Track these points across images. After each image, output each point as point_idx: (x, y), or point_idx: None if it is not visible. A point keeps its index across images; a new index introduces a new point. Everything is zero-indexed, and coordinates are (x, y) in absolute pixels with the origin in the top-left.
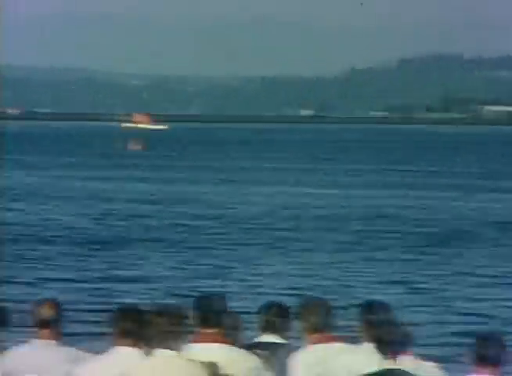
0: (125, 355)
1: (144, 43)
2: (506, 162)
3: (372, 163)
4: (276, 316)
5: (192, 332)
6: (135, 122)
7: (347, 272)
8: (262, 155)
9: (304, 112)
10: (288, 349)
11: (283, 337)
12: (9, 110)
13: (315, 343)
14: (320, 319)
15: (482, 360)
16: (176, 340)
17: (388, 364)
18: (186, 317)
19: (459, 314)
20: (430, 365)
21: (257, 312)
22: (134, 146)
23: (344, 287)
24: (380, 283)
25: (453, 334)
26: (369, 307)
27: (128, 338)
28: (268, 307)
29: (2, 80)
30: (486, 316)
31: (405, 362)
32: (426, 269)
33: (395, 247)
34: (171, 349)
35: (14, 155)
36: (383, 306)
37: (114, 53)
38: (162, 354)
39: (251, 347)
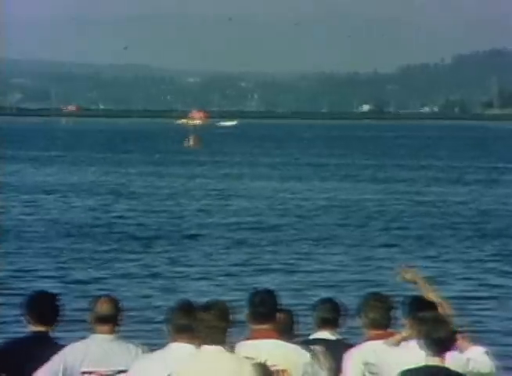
0: (181, 350)
1: (200, 40)
2: None
3: (439, 159)
4: (331, 312)
5: (247, 329)
6: (192, 119)
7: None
8: (324, 151)
9: (365, 108)
10: (343, 346)
11: (337, 333)
12: (67, 107)
13: (374, 339)
14: (380, 316)
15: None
16: (222, 335)
17: (434, 361)
18: (230, 313)
19: None
20: (478, 350)
21: (312, 309)
22: (191, 143)
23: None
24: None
25: None
26: (416, 303)
27: (183, 334)
28: (323, 303)
29: (57, 76)
30: None
31: (450, 359)
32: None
33: (455, 243)
34: (217, 345)
35: (71, 152)
36: (430, 303)
37: (170, 51)
38: (208, 350)
39: (307, 343)
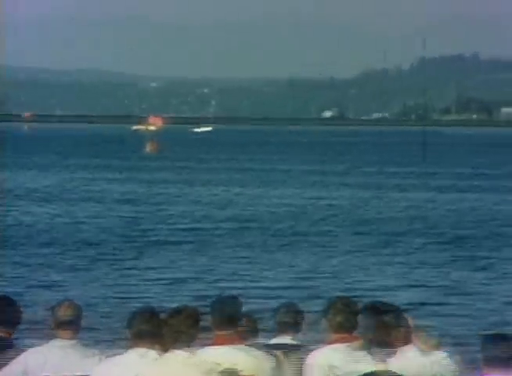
0: (141, 356)
1: (160, 45)
2: None
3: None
4: (292, 316)
5: (210, 335)
6: (149, 125)
7: (365, 273)
8: (288, 157)
9: (327, 114)
10: (304, 350)
11: (297, 338)
12: (23, 113)
13: (338, 342)
14: (346, 319)
15: (491, 361)
16: (189, 341)
17: (378, 367)
18: (199, 318)
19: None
20: (441, 354)
21: (272, 314)
22: (149, 149)
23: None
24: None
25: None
26: (374, 309)
27: (144, 340)
28: (284, 308)
29: (11, 82)
30: None
31: (413, 362)
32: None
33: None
34: (184, 350)
35: (28, 157)
36: (388, 307)
37: (132, 56)
38: (175, 355)
39: (268, 348)
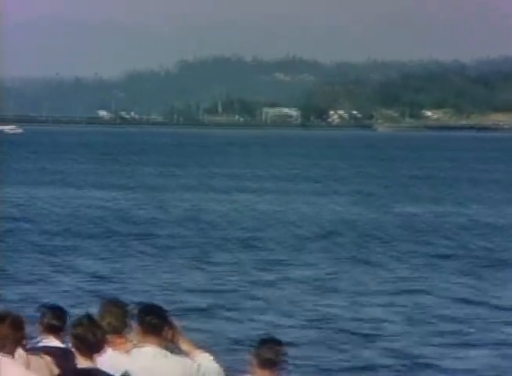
0: None
1: None
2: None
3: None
4: (57, 320)
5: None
6: None
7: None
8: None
9: (101, 113)
10: (71, 353)
11: (63, 340)
12: None
13: (111, 344)
14: (114, 321)
15: (262, 363)
16: (15, 345)
17: (86, 364)
18: (23, 324)
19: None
20: (207, 356)
21: (40, 317)
22: None
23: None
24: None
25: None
26: (144, 310)
27: None
28: (49, 311)
29: None
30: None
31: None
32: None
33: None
34: (6, 354)
35: None
36: (157, 309)
37: None
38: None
39: (37, 350)
